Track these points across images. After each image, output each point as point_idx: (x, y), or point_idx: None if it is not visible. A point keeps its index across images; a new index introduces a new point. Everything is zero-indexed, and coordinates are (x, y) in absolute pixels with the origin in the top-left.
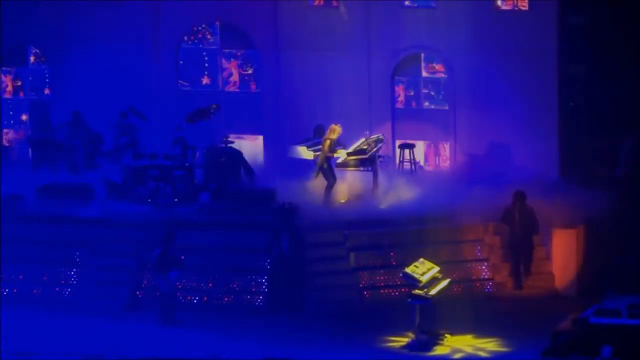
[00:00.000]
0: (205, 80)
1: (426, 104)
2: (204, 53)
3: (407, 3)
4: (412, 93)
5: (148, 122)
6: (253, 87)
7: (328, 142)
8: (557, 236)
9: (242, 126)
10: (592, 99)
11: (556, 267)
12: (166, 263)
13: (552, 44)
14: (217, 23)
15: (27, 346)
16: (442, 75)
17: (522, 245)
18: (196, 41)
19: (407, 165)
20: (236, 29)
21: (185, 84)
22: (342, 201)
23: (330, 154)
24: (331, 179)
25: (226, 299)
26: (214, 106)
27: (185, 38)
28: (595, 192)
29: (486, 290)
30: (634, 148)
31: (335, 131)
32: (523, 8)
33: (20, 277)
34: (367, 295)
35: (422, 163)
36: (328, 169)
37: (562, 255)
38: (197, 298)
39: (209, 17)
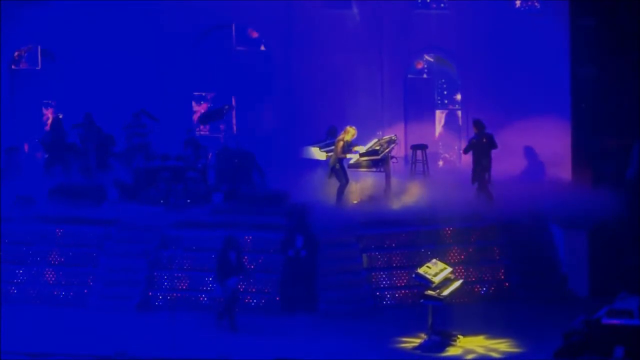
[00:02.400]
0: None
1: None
2: (218, 54)
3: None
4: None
5: (160, 123)
6: None
7: (341, 143)
8: (569, 237)
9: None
10: (604, 100)
11: (568, 268)
12: (224, 269)
13: (564, 45)
14: (231, 25)
15: (40, 347)
16: (454, 76)
17: (488, 164)
18: (209, 42)
19: (419, 166)
20: (250, 30)
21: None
22: (355, 202)
23: (342, 155)
24: (344, 180)
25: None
26: (227, 106)
27: (198, 39)
28: (607, 193)
29: (498, 291)
30: None
31: (349, 133)
32: (535, 10)
33: (32, 278)
34: (380, 296)
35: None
36: (340, 169)
37: (574, 256)
38: (210, 298)
39: (223, 19)
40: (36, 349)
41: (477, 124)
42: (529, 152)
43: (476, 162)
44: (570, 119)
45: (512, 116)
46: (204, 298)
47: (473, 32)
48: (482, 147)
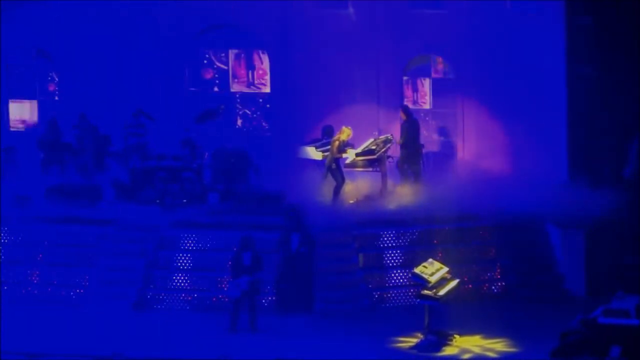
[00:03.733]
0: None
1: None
2: (212, 54)
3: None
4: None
5: (156, 123)
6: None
7: (337, 143)
8: (566, 237)
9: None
10: (601, 99)
11: (565, 267)
12: (236, 269)
13: (560, 44)
14: (227, 24)
15: (37, 347)
16: (451, 76)
17: (420, 149)
18: (205, 42)
19: None
20: (246, 30)
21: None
22: (351, 202)
23: (338, 155)
24: (339, 179)
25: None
26: (222, 107)
27: (194, 40)
28: (604, 193)
29: (495, 290)
30: None
31: (345, 133)
32: (531, 9)
33: (29, 278)
34: (376, 296)
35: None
36: (336, 169)
37: (570, 255)
38: (206, 298)
39: (219, 18)
40: (33, 348)
41: (406, 109)
42: (526, 151)
43: (406, 146)
44: (567, 118)
45: (509, 115)
46: (201, 298)
47: (469, 31)
48: (413, 133)
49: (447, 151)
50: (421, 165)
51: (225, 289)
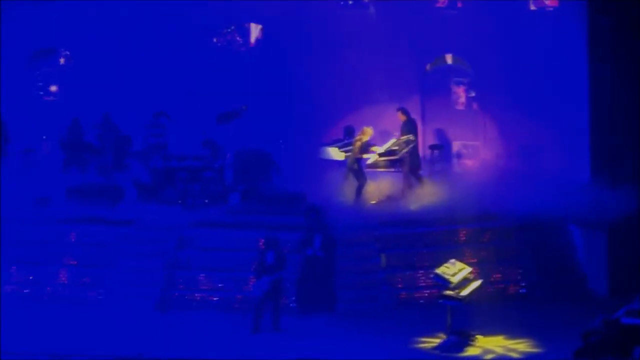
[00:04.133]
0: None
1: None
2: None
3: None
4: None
5: (176, 123)
6: None
7: (359, 143)
8: (589, 236)
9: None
10: (623, 98)
11: (587, 267)
12: (258, 269)
13: (582, 44)
14: (247, 24)
15: (59, 347)
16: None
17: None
18: (225, 42)
19: (437, 166)
20: (265, 30)
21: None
22: (373, 202)
23: (360, 155)
24: (362, 179)
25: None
26: (244, 107)
27: (215, 40)
28: (626, 192)
29: (517, 290)
30: None
31: (367, 133)
32: (552, 8)
33: (50, 278)
34: (398, 296)
35: (452, 164)
36: (358, 169)
37: (593, 255)
38: (228, 298)
39: (239, 18)
40: (55, 349)
41: (404, 111)
42: (547, 151)
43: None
44: (588, 117)
45: (530, 116)
46: (222, 298)
47: (489, 32)
48: (413, 133)
49: (468, 151)
50: (419, 163)
51: (247, 289)
